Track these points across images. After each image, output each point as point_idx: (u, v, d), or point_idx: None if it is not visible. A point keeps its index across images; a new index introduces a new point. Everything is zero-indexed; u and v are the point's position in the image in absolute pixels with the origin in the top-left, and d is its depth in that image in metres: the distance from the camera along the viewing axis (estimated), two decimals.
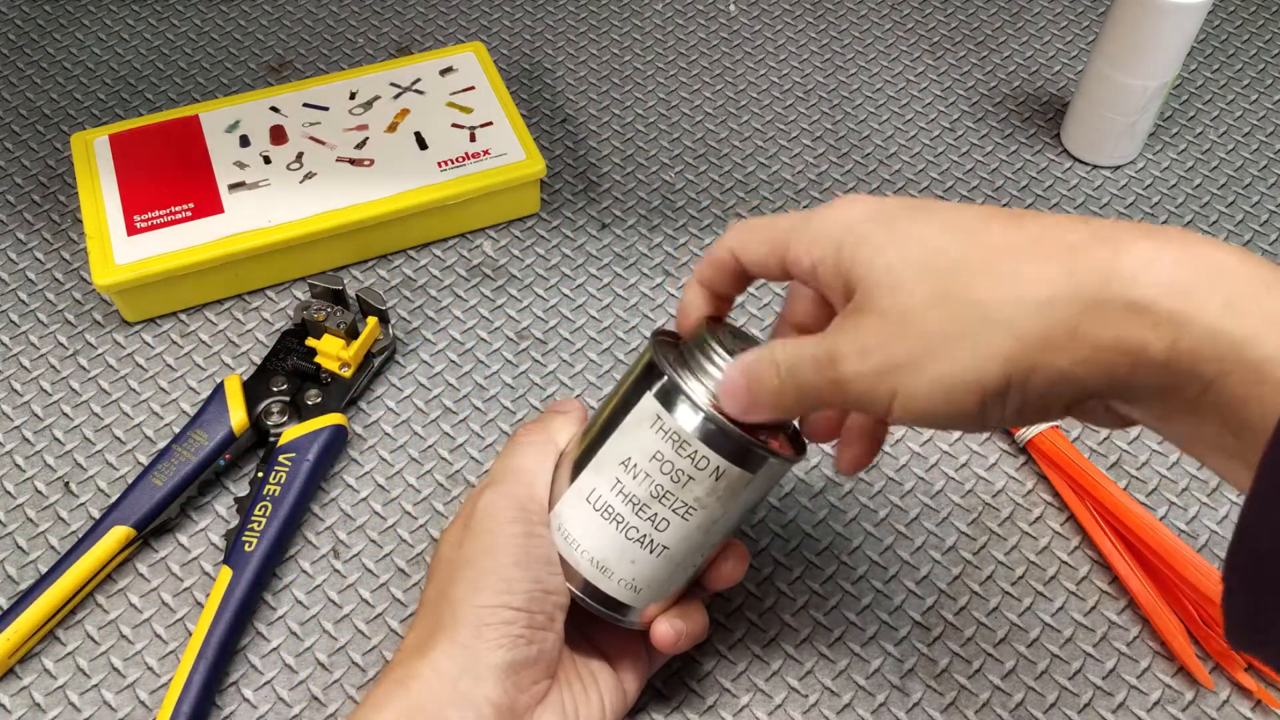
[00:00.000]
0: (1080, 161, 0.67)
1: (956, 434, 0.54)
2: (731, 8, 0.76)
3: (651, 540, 0.39)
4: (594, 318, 0.59)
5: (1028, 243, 0.30)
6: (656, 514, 0.38)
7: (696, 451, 0.37)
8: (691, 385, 0.37)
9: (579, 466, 0.40)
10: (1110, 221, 0.30)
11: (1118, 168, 0.66)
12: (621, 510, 0.39)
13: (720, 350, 0.38)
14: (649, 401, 0.38)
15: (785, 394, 0.34)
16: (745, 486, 0.38)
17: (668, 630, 0.40)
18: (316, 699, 0.45)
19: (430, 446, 0.53)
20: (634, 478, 0.38)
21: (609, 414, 0.40)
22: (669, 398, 0.38)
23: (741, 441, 0.37)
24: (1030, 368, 0.29)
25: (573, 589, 0.40)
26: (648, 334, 0.57)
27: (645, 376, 0.39)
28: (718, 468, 0.37)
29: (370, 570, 0.49)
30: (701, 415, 0.37)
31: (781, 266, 0.36)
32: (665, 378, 0.38)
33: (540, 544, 0.39)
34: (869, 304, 0.32)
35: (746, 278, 0.38)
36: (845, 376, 0.32)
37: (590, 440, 0.40)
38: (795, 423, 0.41)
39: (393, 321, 0.57)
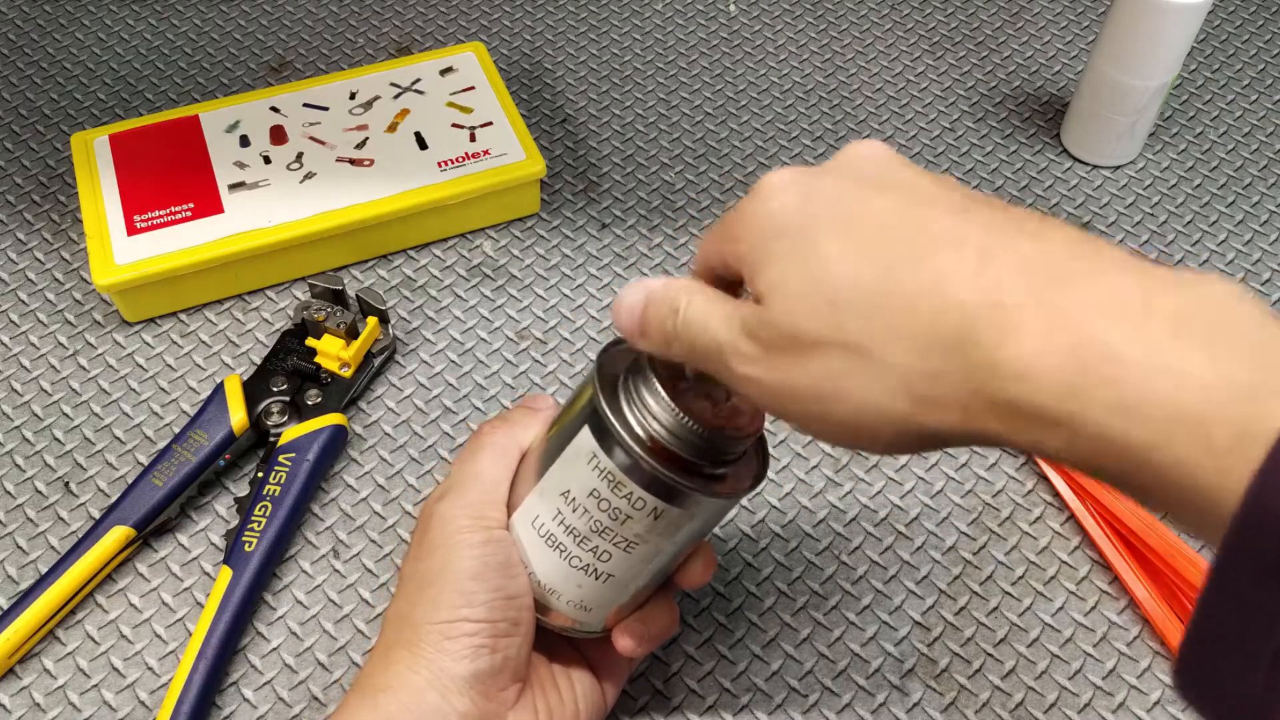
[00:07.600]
0: (1080, 161, 0.67)
1: None
2: (731, 8, 0.76)
3: (595, 569, 0.38)
4: (594, 318, 0.59)
5: (932, 312, 0.27)
6: (598, 546, 0.37)
7: (633, 493, 0.36)
8: (628, 425, 0.35)
9: (531, 484, 0.39)
10: (1026, 271, 0.27)
11: (1118, 168, 0.66)
12: (564, 540, 0.38)
13: (660, 389, 0.35)
14: (585, 437, 0.36)
15: (674, 343, 0.33)
16: (688, 521, 0.37)
17: (627, 640, 0.40)
18: (316, 699, 0.45)
19: (430, 446, 0.53)
20: (574, 511, 0.37)
21: (557, 432, 0.38)
22: (604, 437, 0.36)
23: (680, 484, 0.35)
24: (917, 425, 0.28)
25: None
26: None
27: (586, 407, 0.37)
28: (655, 508, 0.36)
29: (370, 570, 0.49)
30: (638, 458, 0.35)
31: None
32: (601, 416, 0.35)
33: (498, 550, 0.38)
34: (772, 326, 0.30)
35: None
36: (736, 367, 0.31)
37: (542, 455, 0.39)
38: (756, 452, 0.39)
39: (393, 321, 0.57)
